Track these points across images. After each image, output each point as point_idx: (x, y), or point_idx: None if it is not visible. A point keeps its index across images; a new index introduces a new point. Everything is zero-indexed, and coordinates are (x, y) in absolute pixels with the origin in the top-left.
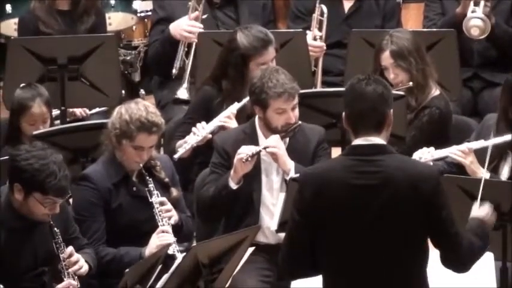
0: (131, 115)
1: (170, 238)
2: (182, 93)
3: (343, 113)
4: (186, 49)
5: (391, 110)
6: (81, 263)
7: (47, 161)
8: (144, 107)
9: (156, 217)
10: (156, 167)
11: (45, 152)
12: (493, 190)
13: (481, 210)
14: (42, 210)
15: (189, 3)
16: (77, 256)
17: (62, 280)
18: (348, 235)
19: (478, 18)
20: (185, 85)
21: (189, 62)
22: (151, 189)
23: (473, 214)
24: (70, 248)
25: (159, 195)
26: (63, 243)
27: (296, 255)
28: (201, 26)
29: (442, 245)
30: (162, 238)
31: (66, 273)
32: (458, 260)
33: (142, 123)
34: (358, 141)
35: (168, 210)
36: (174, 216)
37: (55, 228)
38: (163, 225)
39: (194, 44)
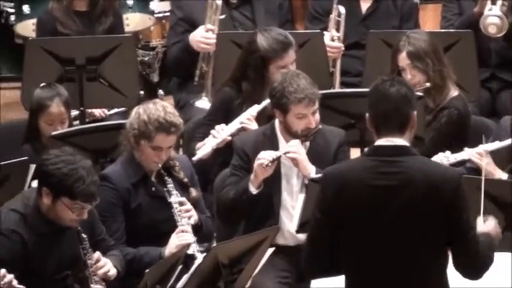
0: (149, 115)
1: (190, 238)
2: (202, 103)
3: (367, 114)
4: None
5: (415, 112)
6: (108, 267)
7: (75, 166)
8: (162, 107)
9: (175, 217)
10: (175, 167)
11: (74, 157)
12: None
13: (487, 225)
14: (70, 215)
15: (208, 12)
16: (104, 260)
17: (88, 286)
18: (367, 235)
19: (495, 16)
20: (205, 95)
21: (210, 70)
22: (170, 189)
23: (480, 229)
24: (97, 254)
25: (178, 195)
26: (90, 248)
27: (317, 255)
28: (215, 38)
29: (459, 250)
30: (181, 238)
31: (93, 280)
32: (473, 266)
33: (161, 123)
34: (380, 142)
35: (187, 210)
36: (194, 216)
37: (83, 234)
38: (183, 225)
39: (212, 52)
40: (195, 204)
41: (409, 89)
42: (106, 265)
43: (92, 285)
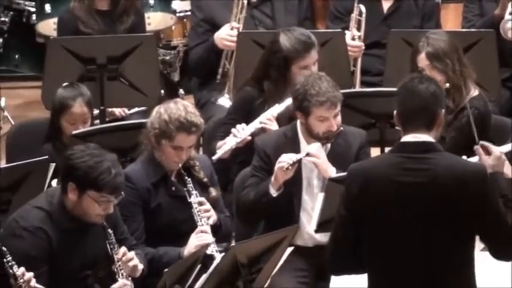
0: (170, 115)
1: (209, 238)
2: (223, 101)
3: (395, 111)
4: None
5: (443, 110)
6: (135, 262)
7: (101, 159)
8: (183, 106)
9: (195, 217)
10: (195, 166)
11: (99, 151)
12: None
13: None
14: (97, 209)
15: (234, 10)
16: (131, 254)
17: (113, 282)
18: (393, 232)
19: None
20: (227, 93)
21: (232, 69)
22: (190, 189)
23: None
24: (123, 248)
25: (198, 195)
26: (116, 244)
27: (342, 252)
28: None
29: (494, 238)
30: (200, 238)
31: (120, 274)
32: (508, 251)
33: (182, 123)
34: (407, 139)
35: (206, 210)
36: (213, 216)
37: (109, 230)
38: (202, 225)
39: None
40: (214, 204)
41: (438, 87)
42: (134, 259)
43: (119, 279)
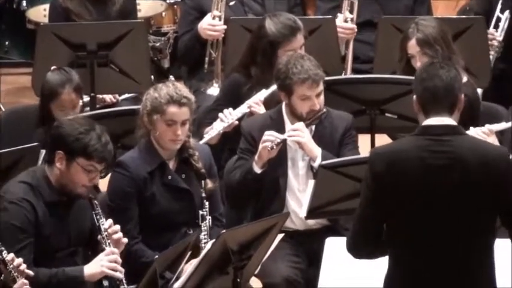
0: (160, 92)
1: (118, 261)
2: (213, 90)
3: (414, 96)
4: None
5: (462, 95)
6: (120, 235)
7: (90, 127)
8: (171, 83)
9: (103, 241)
10: (194, 156)
11: (87, 120)
12: None
13: None
14: (84, 178)
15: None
16: (116, 228)
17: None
18: (418, 213)
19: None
20: (215, 81)
21: (218, 56)
22: (99, 214)
23: None
24: (110, 221)
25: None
26: (103, 214)
27: (366, 234)
28: (222, 24)
29: None
30: (111, 258)
31: (107, 243)
32: None
33: (171, 95)
34: (430, 122)
35: (115, 232)
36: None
37: (95, 201)
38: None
39: (221, 39)
40: (210, 194)
41: (458, 71)
42: (119, 232)
43: (106, 247)
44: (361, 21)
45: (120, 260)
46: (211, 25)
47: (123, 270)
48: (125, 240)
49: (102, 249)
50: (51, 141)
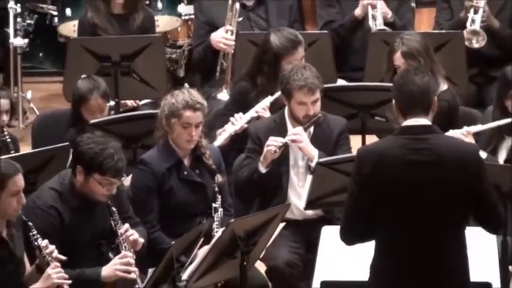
0: (176, 98)
1: (131, 262)
2: (222, 95)
3: (393, 100)
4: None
5: (436, 97)
6: (135, 236)
7: (105, 146)
8: (186, 90)
9: (120, 245)
10: (205, 154)
11: (104, 139)
12: (493, 172)
13: None
14: (101, 190)
15: (228, 14)
16: (132, 231)
17: (119, 253)
18: (400, 206)
19: (474, 31)
20: (225, 88)
21: (229, 66)
22: (117, 220)
23: None
24: (126, 225)
25: (122, 225)
26: (120, 220)
27: (353, 224)
28: (233, 39)
29: (485, 211)
30: (123, 262)
31: (123, 247)
32: (499, 223)
33: (186, 101)
34: (408, 123)
35: (131, 235)
36: (139, 240)
37: (113, 208)
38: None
39: (232, 51)
40: (220, 188)
41: (430, 76)
42: (134, 234)
43: (122, 251)
44: (348, 18)
45: (133, 262)
46: (224, 38)
47: (136, 270)
48: (141, 240)
49: (120, 252)
50: (72, 155)
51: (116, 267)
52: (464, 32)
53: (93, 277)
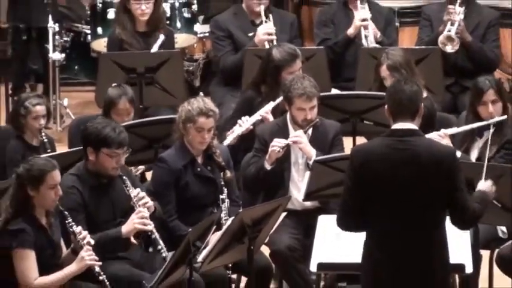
0: (192, 105)
1: (146, 215)
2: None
3: (386, 105)
4: None
5: (422, 104)
6: (146, 199)
7: (106, 124)
8: (201, 99)
9: (134, 205)
10: (216, 153)
11: (103, 120)
12: (466, 169)
13: (485, 185)
14: (111, 163)
15: (262, 19)
16: (143, 194)
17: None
18: (385, 199)
19: (447, 36)
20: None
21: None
22: (129, 186)
23: (479, 187)
24: (138, 189)
25: (133, 189)
26: (131, 186)
27: (347, 214)
28: (272, 27)
29: (455, 209)
30: (139, 214)
31: (137, 205)
32: (465, 221)
33: (200, 108)
34: (396, 126)
35: (143, 198)
36: (149, 203)
37: (124, 176)
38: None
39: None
40: (228, 182)
41: (418, 86)
42: (145, 197)
43: (136, 208)
44: (341, 37)
45: (147, 215)
46: (265, 31)
47: (151, 223)
48: (151, 203)
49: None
50: (81, 141)
51: (134, 221)
52: (440, 36)
53: (115, 235)
